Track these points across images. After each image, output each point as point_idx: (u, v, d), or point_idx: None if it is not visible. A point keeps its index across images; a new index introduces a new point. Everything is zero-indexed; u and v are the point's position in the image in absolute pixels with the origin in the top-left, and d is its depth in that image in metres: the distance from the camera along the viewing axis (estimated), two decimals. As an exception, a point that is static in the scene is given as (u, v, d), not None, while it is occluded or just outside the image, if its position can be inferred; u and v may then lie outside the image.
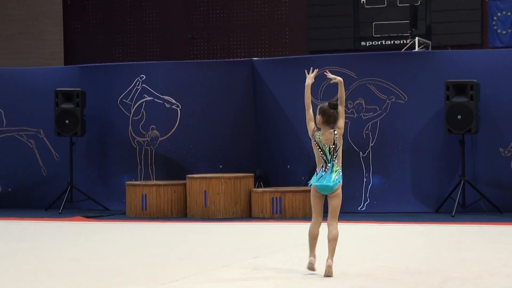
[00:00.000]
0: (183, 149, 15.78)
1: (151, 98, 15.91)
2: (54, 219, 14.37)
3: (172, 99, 15.83)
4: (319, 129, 8.46)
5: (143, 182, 15.28)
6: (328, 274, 8.22)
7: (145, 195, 14.79)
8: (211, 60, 20.16)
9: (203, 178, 14.66)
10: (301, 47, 25.42)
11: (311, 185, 8.51)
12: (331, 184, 8.40)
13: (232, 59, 18.58)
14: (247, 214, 14.57)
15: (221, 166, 15.49)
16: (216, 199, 14.44)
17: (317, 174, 8.48)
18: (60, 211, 15.19)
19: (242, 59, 18.36)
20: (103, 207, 15.71)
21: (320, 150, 8.44)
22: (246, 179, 14.81)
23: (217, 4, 28.02)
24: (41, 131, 16.33)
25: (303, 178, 15.07)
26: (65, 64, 27.20)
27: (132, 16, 29.28)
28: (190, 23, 28.40)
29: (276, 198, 14.27)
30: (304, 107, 8.58)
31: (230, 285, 7.98)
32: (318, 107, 8.47)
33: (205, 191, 14.49)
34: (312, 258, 8.44)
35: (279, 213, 14.23)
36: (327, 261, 8.27)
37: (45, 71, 17.28)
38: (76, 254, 10.18)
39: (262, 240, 11.63)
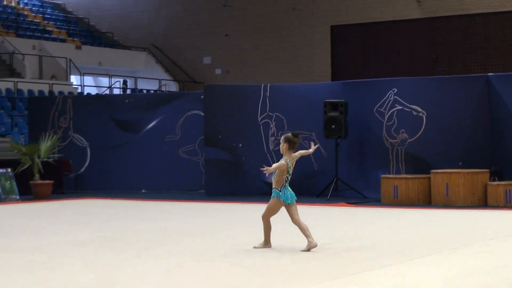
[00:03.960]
0: (428, 149, 15.52)
1: (401, 107, 15.77)
2: (323, 204, 14.56)
3: (418, 107, 15.62)
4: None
5: (395, 176, 15.18)
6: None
7: (396, 186, 14.68)
8: (451, 75, 19.63)
9: (445, 172, 14.36)
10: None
11: (282, 200, 8.46)
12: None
13: (468, 75, 18.02)
14: (483, 203, 14.09)
15: (460, 163, 15.09)
16: (456, 190, 14.09)
17: (284, 192, 8.48)
18: (328, 198, 15.38)
19: (478, 74, 17.75)
20: (362, 195, 15.73)
21: (287, 172, 8.45)
22: (482, 174, 14.34)
23: (456, 29, 27.36)
24: (313, 134, 16.59)
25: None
26: (331, 80, 27.51)
27: (384, 41, 29.18)
28: (433, 44, 27.89)
29: (510, 190, 13.69)
30: None
31: (460, 263, 7.73)
32: (283, 136, 8.47)
33: (447, 184, 14.18)
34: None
35: (512, 203, 13.67)
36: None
37: (316, 86, 17.55)
38: (340, 234, 10.26)
39: (496, 225, 11.20)
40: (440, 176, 14.33)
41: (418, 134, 15.61)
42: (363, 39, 29.63)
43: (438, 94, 15.55)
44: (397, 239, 9.51)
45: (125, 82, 32.57)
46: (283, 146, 8.53)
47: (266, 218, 8.66)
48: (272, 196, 8.61)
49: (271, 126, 16.90)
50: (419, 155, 15.57)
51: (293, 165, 8.57)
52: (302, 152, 8.76)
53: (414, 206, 14.14)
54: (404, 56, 28.55)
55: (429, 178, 14.55)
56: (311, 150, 8.85)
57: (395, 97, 15.83)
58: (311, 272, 7.17)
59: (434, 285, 6.49)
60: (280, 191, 8.51)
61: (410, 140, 15.66)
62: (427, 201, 14.52)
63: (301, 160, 17.44)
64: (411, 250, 8.49)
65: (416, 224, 11.50)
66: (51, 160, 17.40)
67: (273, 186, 8.60)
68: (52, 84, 28.36)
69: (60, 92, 27.44)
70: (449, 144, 15.33)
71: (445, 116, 15.41)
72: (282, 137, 8.60)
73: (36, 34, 32.90)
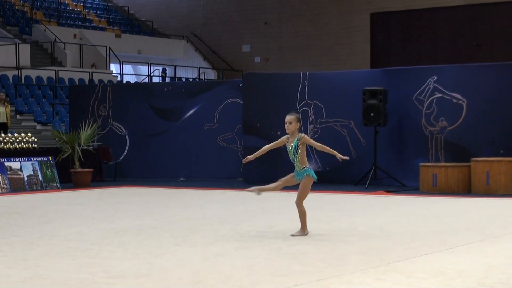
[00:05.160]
0: (468, 137, 15.35)
1: (440, 95, 15.62)
2: (361, 193, 14.48)
3: (458, 95, 15.45)
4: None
5: (434, 164, 15.03)
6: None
7: (436, 174, 14.54)
8: (495, 63, 19.33)
9: (486, 161, 14.19)
10: None
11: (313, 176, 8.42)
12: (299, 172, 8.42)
13: (510, 62, 17.76)
14: (526, 191, 13.93)
15: (502, 151, 14.89)
16: (497, 178, 13.92)
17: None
18: (366, 186, 15.30)
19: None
20: (401, 183, 15.62)
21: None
22: (524, 162, 14.15)
23: (500, 16, 26.97)
24: (351, 122, 16.51)
25: None
26: (371, 68, 27.32)
27: (425, 27, 28.89)
28: (475, 32, 27.55)
29: (550, 179, 13.48)
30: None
31: (502, 252, 7.62)
32: (295, 116, 8.50)
33: (488, 172, 14.00)
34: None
35: (555, 192, 13.47)
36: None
37: (355, 74, 17.44)
38: (379, 222, 10.17)
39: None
40: (481, 165, 14.16)
41: (458, 122, 15.44)
42: (403, 27, 29.35)
43: (478, 81, 15.36)
44: (437, 227, 9.42)
45: (164, 71, 32.69)
46: (296, 125, 8.53)
47: (298, 202, 8.71)
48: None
49: (310, 114, 16.84)
50: (459, 143, 15.40)
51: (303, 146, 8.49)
52: (328, 148, 8.78)
53: (454, 195, 14.00)
54: (445, 43, 28.23)
55: (469, 166, 14.39)
56: (338, 155, 8.72)
57: (434, 84, 15.67)
58: (351, 260, 7.12)
59: (476, 273, 6.40)
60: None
61: (450, 128, 15.49)
62: (466, 189, 14.36)
63: (339, 148, 17.39)
64: (452, 238, 8.41)
65: (456, 212, 11.37)
66: (90, 148, 17.53)
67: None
68: (92, 72, 28.57)
69: (100, 81, 27.64)
70: (490, 132, 15.14)
71: (486, 104, 15.22)
72: (294, 117, 8.55)
73: (77, 23, 33.17)
